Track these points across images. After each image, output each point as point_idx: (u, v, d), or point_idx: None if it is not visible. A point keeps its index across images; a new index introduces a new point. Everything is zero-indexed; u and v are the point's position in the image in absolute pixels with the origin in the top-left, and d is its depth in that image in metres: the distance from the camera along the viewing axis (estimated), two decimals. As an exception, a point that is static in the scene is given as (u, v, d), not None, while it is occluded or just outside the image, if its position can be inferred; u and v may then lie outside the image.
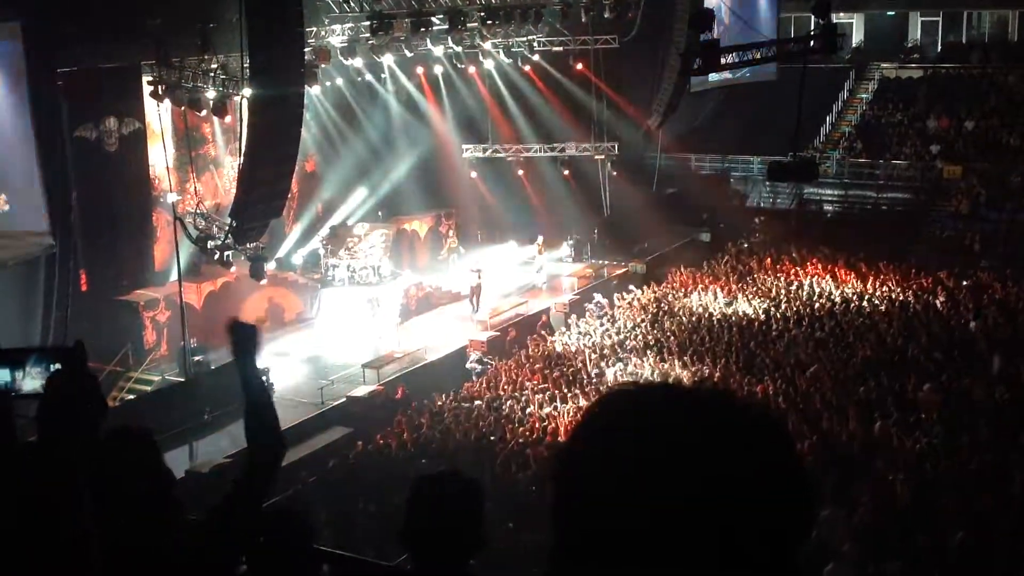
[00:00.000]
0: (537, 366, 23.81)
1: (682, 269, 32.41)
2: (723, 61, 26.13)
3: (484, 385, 23.12)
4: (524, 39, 33.23)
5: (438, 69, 34.37)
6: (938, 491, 15.22)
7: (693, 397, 1.22)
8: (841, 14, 39.74)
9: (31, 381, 2.13)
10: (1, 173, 23.29)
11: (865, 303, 27.03)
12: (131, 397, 23.19)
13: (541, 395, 21.45)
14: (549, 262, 34.14)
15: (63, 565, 1.96)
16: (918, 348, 22.53)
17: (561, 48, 33.75)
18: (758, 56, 28.09)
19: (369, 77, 33.17)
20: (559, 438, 19.00)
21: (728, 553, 1.12)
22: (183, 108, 26.48)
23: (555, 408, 20.65)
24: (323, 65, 28.39)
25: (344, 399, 23.60)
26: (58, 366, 2.09)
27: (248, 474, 3.19)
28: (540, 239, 33.98)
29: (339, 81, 32.56)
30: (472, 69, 34.64)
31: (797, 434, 17.62)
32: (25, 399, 2.12)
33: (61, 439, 1.98)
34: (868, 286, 28.88)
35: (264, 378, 3.49)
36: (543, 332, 27.29)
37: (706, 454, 1.15)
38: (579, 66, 34.11)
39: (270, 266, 27.31)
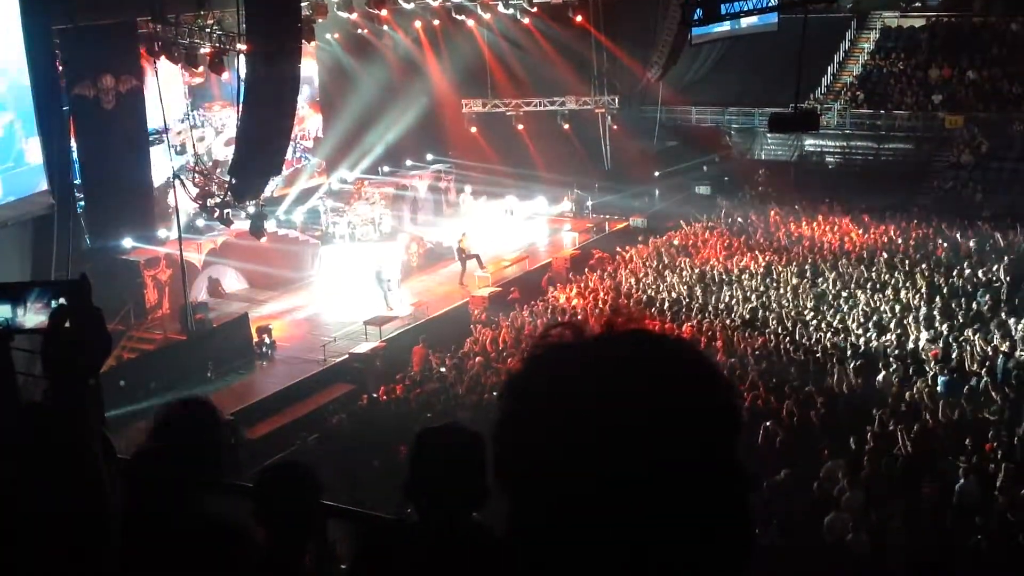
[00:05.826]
0: (540, 321, 23.83)
1: (683, 223, 32.37)
2: (723, 11, 25.89)
3: (486, 340, 23.15)
4: (523, -9, 32.90)
5: (436, 23, 34.08)
6: (939, 440, 15.33)
7: (616, 338, 1.23)
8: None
9: (33, 316, 2.06)
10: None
11: (865, 254, 27.02)
12: (133, 356, 23.22)
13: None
14: (523, 219, 34.22)
15: (77, 534, 1.94)
16: (919, 299, 22.57)
17: (560, 0, 33.41)
18: (759, 6, 27.85)
19: (367, 31, 32.87)
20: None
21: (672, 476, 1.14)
22: (180, 65, 26.29)
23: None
24: (320, 20, 28.13)
25: (346, 356, 23.66)
26: (61, 300, 2.02)
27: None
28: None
29: (336, 36, 32.30)
30: (471, 22, 34.33)
31: (798, 386, 17.70)
32: (27, 334, 2.05)
33: (73, 393, 1.95)
34: (869, 237, 28.87)
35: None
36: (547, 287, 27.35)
37: (633, 387, 1.16)
38: (578, 18, 33.80)
39: (270, 224, 27.24)
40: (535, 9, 33.38)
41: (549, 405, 1.18)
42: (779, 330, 21.34)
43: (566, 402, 1.17)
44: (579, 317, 23.73)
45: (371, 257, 27.90)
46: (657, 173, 37.14)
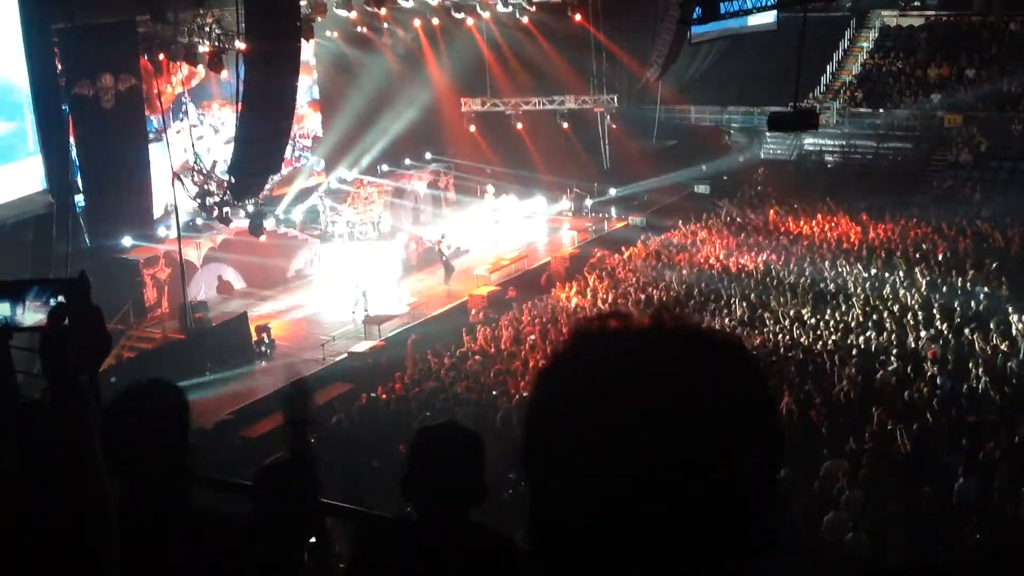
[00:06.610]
0: (539, 320, 23.82)
1: (682, 222, 32.37)
2: (722, 10, 25.88)
3: (485, 339, 23.14)
4: (522, -10, 32.86)
5: (435, 21, 34.04)
6: (939, 440, 15.32)
7: (664, 331, 1.19)
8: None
9: (32, 314, 2.05)
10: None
11: (864, 253, 27.02)
12: (132, 355, 23.18)
13: (540, 352, 21.46)
14: (507, 211, 34.26)
15: (77, 533, 1.94)
16: (918, 298, 22.56)
17: (559, -1, 33.40)
18: (758, 5, 27.84)
19: (366, 30, 32.82)
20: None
21: (702, 487, 1.10)
22: (179, 63, 26.26)
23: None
24: (319, 18, 28.11)
25: (345, 355, 23.65)
26: (60, 299, 2.02)
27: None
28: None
29: (336, 34, 32.27)
30: (470, 21, 34.30)
31: (797, 386, 17.69)
32: (25, 332, 2.04)
33: (72, 392, 1.95)
34: (868, 236, 28.87)
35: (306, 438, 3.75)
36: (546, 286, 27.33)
37: (678, 383, 1.13)
38: (578, 17, 33.77)
39: (269, 223, 27.22)
40: (534, 8, 33.37)
41: (588, 392, 1.14)
42: (778, 329, 21.33)
43: (606, 391, 1.13)
44: (579, 316, 23.72)
45: (362, 260, 27.94)
46: (656, 172, 37.10)
